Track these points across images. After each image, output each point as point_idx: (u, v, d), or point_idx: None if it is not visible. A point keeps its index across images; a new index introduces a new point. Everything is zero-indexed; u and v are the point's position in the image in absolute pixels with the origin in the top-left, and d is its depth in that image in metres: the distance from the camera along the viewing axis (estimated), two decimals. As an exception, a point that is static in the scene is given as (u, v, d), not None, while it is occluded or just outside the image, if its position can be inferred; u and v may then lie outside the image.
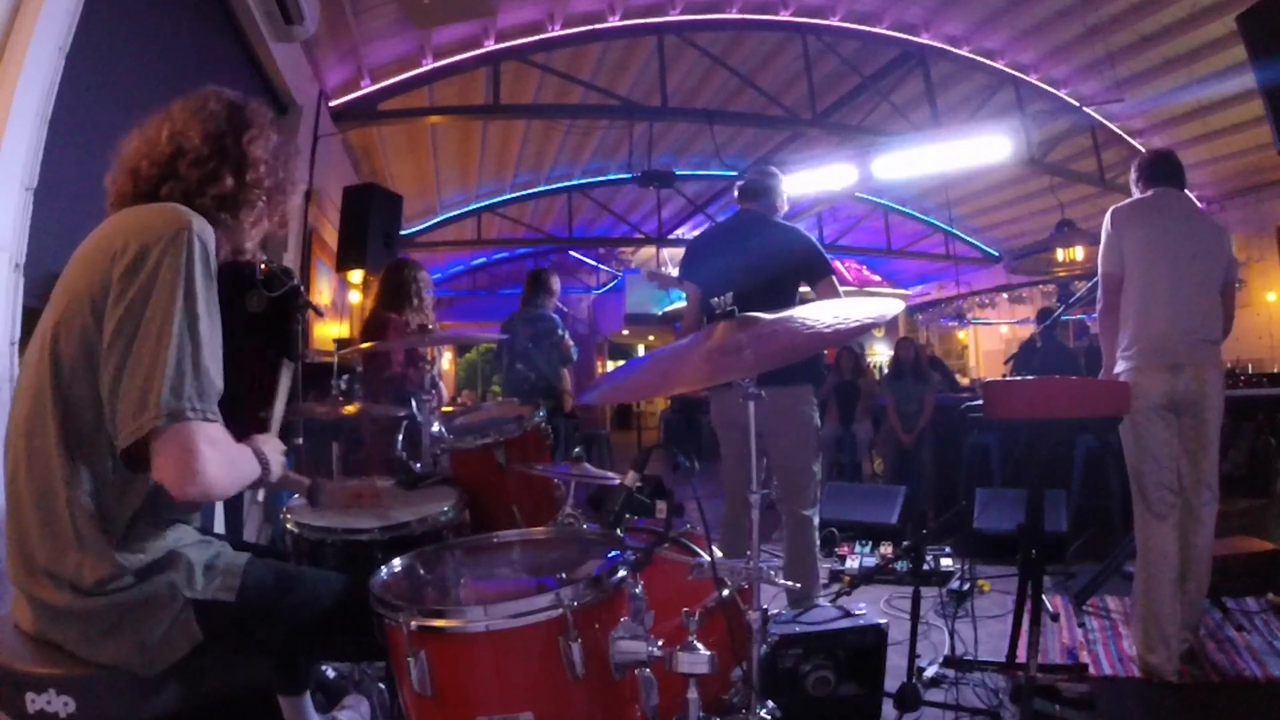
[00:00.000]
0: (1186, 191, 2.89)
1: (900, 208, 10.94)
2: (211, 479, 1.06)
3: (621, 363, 11.55)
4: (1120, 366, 2.69)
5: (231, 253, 1.31)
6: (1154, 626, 2.50)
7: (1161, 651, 2.48)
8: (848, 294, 3.19)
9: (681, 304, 13.37)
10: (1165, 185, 2.78)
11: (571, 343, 4.64)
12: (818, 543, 2.84)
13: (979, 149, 6.48)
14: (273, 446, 1.30)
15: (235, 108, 1.28)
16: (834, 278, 2.81)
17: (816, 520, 2.83)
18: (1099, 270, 2.78)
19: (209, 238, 1.15)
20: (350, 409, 2.24)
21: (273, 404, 1.58)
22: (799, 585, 2.62)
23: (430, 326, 3.49)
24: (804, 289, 2.87)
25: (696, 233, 11.35)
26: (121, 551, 1.11)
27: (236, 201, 1.25)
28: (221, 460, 1.08)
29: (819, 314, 1.37)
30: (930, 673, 2.52)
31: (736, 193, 3.09)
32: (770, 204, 3.00)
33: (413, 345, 3.37)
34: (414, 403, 2.09)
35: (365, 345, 3.00)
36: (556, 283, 4.86)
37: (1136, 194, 2.84)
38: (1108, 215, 2.77)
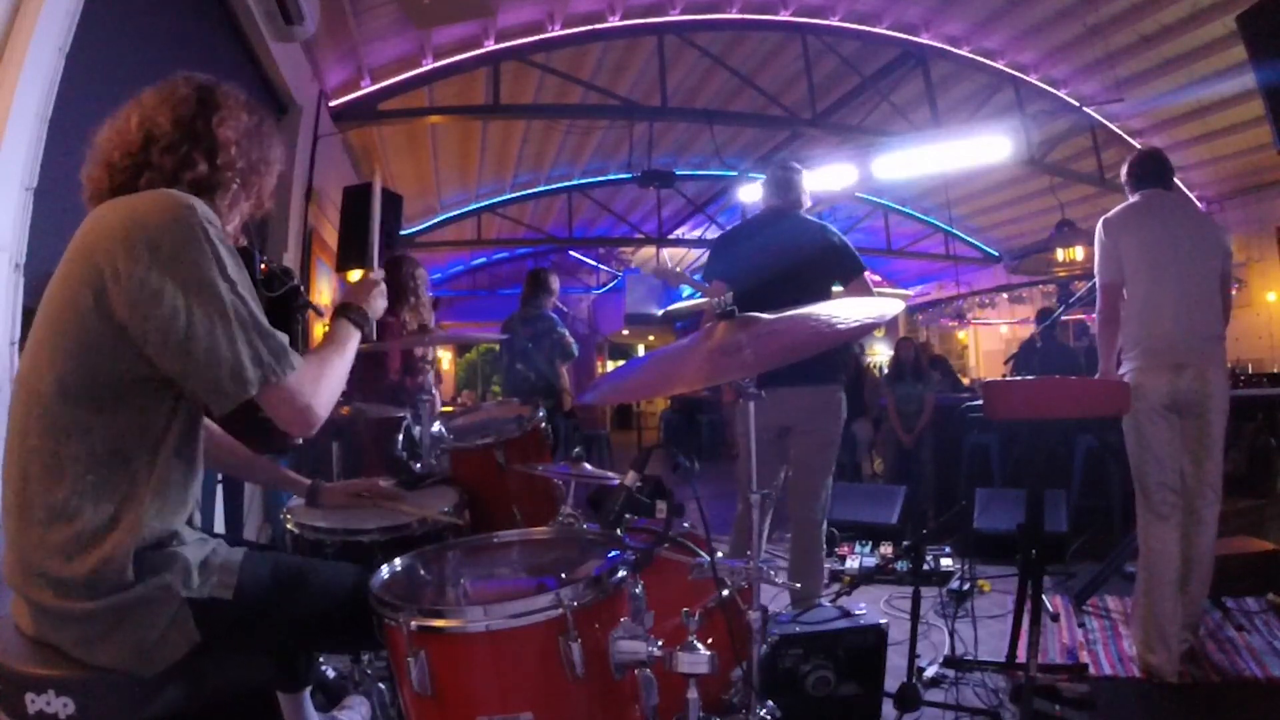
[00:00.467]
0: (1182, 186, 2.88)
1: (900, 208, 10.94)
2: (325, 410, 1.19)
3: (621, 363, 11.56)
4: (1124, 368, 2.68)
5: None
6: (1155, 627, 2.50)
7: (1162, 652, 2.48)
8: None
9: (685, 303, 13.39)
10: (1153, 186, 2.78)
11: (571, 339, 4.64)
12: (824, 545, 2.85)
13: (979, 149, 6.48)
14: (366, 289, 1.43)
15: (205, 90, 1.26)
16: (866, 277, 2.80)
17: (825, 523, 2.84)
18: (1097, 281, 2.77)
19: (210, 213, 1.15)
20: (343, 410, 2.23)
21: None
22: (799, 585, 2.63)
23: (430, 326, 3.46)
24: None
25: (701, 232, 11.40)
26: (116, 551, 1.11)
27: (211, 185, 1.24)
28: (321, 390, 1.19)
29: (819, 313, 1.37)
30: (930, 673, 2.52)
31: (763, 189, 3.07)
32: (796, 200, 2.98)
33: (411, 345, 3.35)
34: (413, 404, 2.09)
35: (363, 346, 2.99)
36: (556, 282, 4.86)
37: (1128, 196, 2.84)
38: (1099, 225, 2.76)
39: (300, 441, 1.44)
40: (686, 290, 13.22)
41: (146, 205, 1.13)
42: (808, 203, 3.04)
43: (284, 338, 1.16)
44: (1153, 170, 2.81)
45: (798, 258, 2.76)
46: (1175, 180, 2.90)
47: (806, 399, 2.70)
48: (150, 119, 1.22)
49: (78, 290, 1.10)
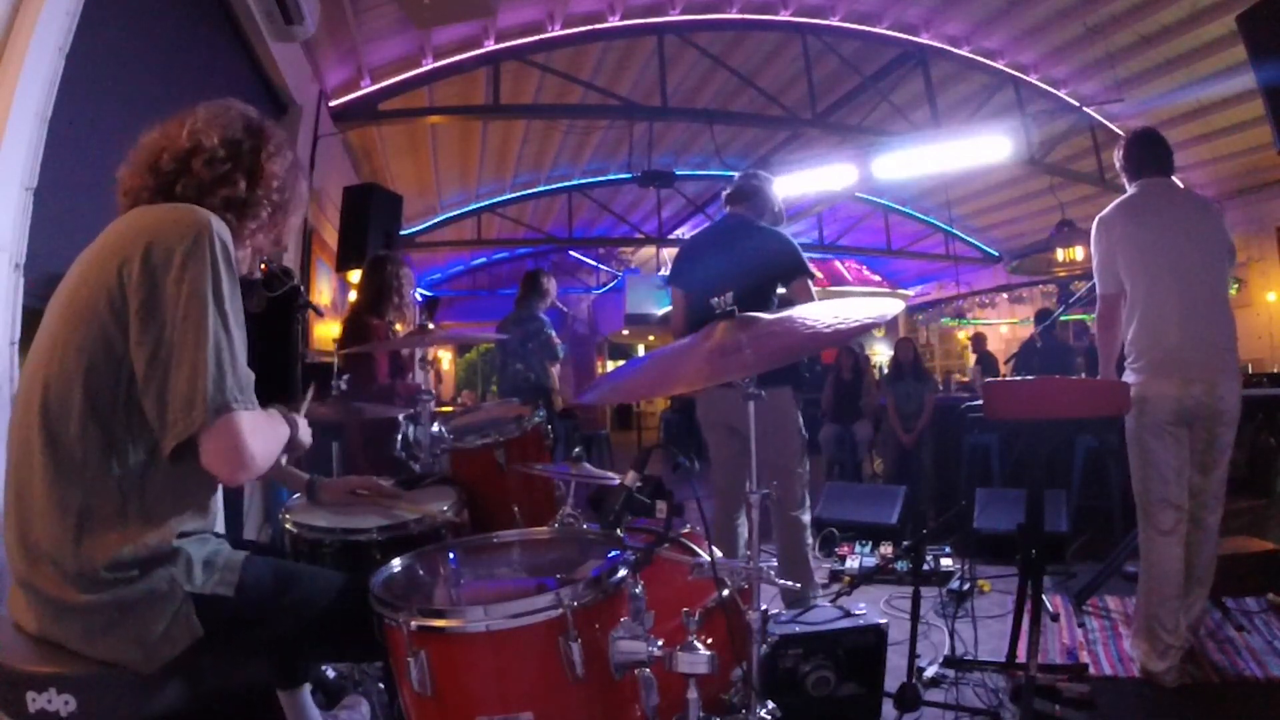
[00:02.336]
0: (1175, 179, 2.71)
1: (900, 208, 10.94)
2: (259, 461, 1.15)
3: (621, 363, 11.55)
4: (1129, 379, 2.58)
5: None
6: (1155, 640, 2.48)
7: (1160, 664, 2.46)
8: (848, 293, 3.19)
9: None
10: (1152, 174, 2.63)
11: (558, 340, 4.67)
12: (809, 543, 2.85)
13: (979, 149, 6.48)
14: (301, 420, 1.39)
15: (254, 122, 1.33)
16: (809, 279, 2.82)
17: (806, 519, 2.85)
18: (1096, 289, 2.67)
19: (227, 235, 1.19)
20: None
21: (291, 401, 1.60)
22: (799, 585, 2.63)
23: (429, 325, 3.46)
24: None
25: (684, 236, 11.40)
26: (124, 546, 1.12)
27: (244, 207, 1.28)
28: (264, 442, 1.17)
29: (819, 314, 1.37)
30: (930, 673, 2.52)
31: (724, 196, 3.11)
32: (758, 207, 3.00)
33: (407, 345, 3.36)
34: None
35: (358, 349, 2.99)
36: (551, 284, 4.90)
37: (1126, 186, 2.70)
38: (1095, 225, 2.63)
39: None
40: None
41: (169, 217, 1.18)
42: (775, 210, 3.06)
43: (251, 375, 1.17)
44: (1150, 154, 2.65)
45: (749, 264, 2.80)
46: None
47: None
48: (201, 131, 1.27)
49: (96, 290, 1.13)
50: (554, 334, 4.66)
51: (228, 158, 1.26)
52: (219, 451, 1.10)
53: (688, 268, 3.05)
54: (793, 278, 2.81)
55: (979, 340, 9.26)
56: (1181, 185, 2.78)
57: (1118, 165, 2.75)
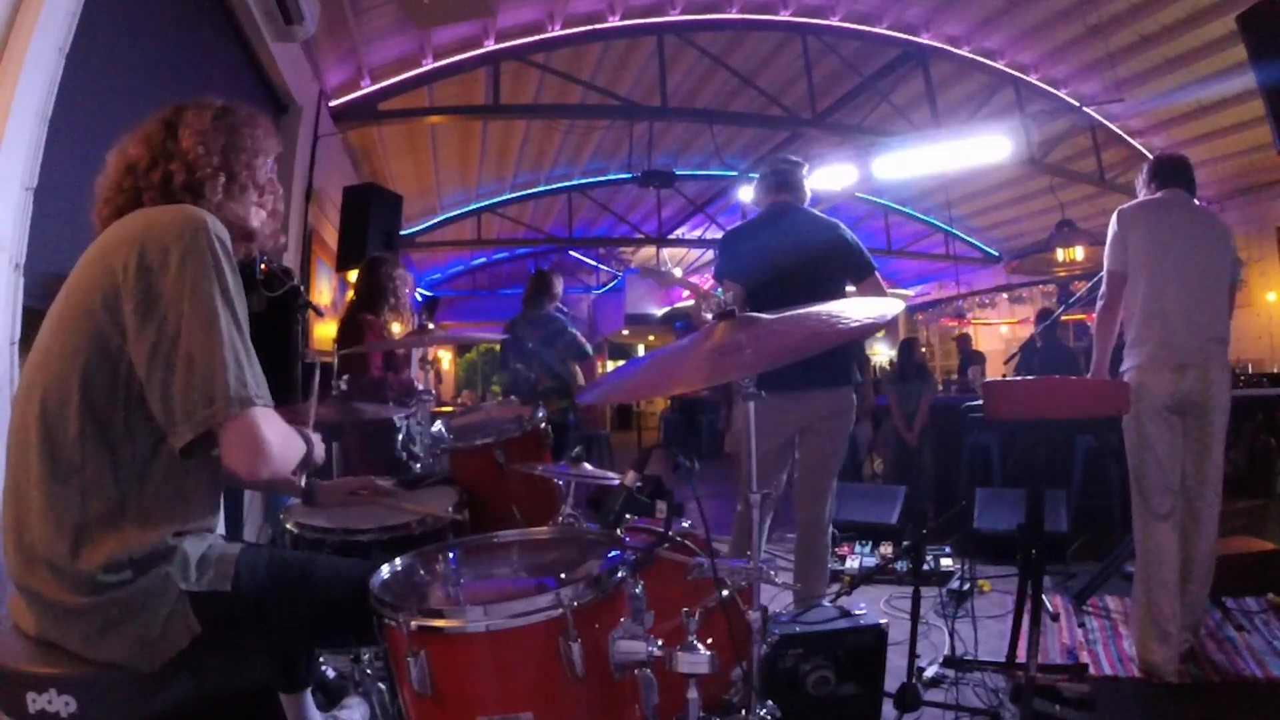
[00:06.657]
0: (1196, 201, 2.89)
1: (900, 208, 10.93)
2: (278, 458, 1.14)
3: (621, 363, 11.56)
4: (1125, 364, 2.69)
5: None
6: (1154, 626, 2.50)
7: (1161, 650, 2.48)
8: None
9: (685, 303, 13.38)
10: (1174, 187, 2.78)
11: (584, 339, 4.65)
12: (830, 546, 2.86)
13: (979, 149, 6.47)
14: (312, 433, 1.39)
15: (174, 113, 1.30)
16: (878, 276, 2.77)
17: (831, 525, 2.86)
18: (1104, 268, 2.78)
19: (224, 232, 1.18)
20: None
21: (290, 400, 1.60)
22: (800, 585, 2.63)
23: (430, 326, 3.47)
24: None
25: (701, 232, 11.39)
26: (121, 547, 1.11)
27: (198, 184, 1.26)
28: (281, 440, 1.16)
29: (819, 313, 1.37)
30: (930, 673, 2.52)
31: (759, 185, 2.97)
32: (801, 195, 2.92)
33: (399, 346, 3.37)
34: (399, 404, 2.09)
35: (354, 349, 3.00)
36: (560, 284, 4.88)
37: (1144, 194, 2.84)
38: (1115, 214, 2.77)
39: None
40: (686, 290, 13.23)
41: (163, 217, 1.17)
42: (809, 197, 2.98)
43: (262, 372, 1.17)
44: (1177, 171, 2.82)
45: (811, 254, 2.69)
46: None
47: (824, 402, 2.70)
48: (126, 153, 1.28)
49: (90, 292, 1.13)
50: (579, 333, 4.64)
51: (157, 157, 1.26)
52: (240, 445, 1.10)
53: (746, 260, 2.81)
54: (864, 276, 2.76)
55: (964, 341, 9.28)
56: (1198, 205, 2.94)
57: (1142, 178, 2.90)
